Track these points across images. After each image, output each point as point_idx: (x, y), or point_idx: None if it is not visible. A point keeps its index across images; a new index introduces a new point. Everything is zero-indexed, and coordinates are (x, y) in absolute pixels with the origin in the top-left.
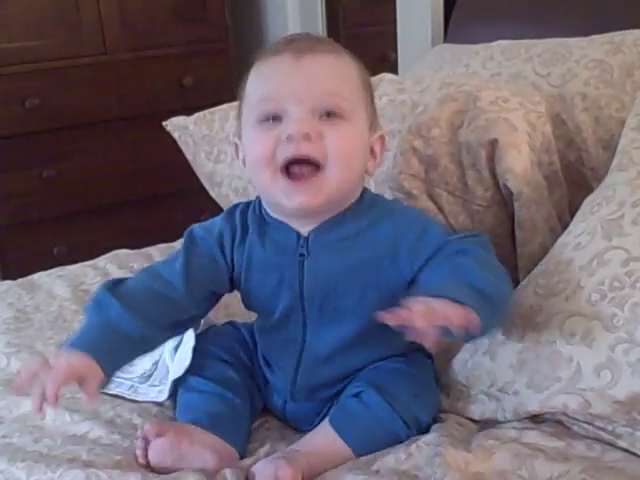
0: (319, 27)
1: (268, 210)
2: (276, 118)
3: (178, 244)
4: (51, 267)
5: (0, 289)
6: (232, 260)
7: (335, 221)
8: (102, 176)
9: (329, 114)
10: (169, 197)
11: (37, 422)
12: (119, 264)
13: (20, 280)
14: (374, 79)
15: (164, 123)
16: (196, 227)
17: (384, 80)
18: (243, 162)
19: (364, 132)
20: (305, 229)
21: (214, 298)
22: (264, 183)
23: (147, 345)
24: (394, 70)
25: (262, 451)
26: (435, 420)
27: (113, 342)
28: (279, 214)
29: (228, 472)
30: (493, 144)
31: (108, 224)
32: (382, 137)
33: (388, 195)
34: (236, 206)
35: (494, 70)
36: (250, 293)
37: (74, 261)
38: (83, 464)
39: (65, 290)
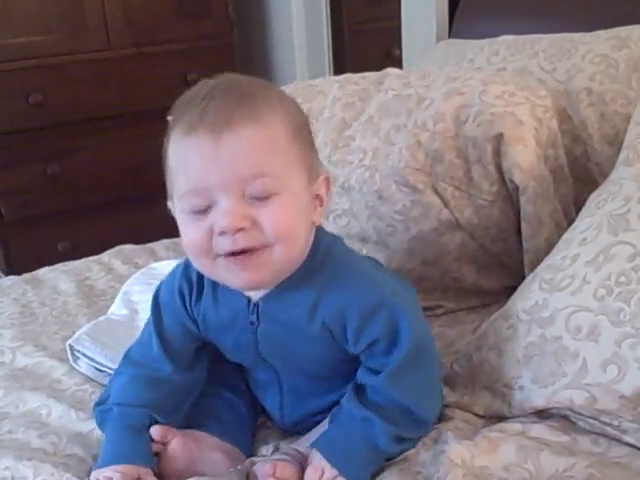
0: (323, 23)
1: None
2: (207, 208)
3: (181, 240)
4: (55, 263)
5: (5, 284)
6: (193, 314)
7: (285, 287)
8: (106, 172)
9: (259, 196)
10: None
11: (42, 419)
12: (123, 259)
13: (25, 275)
14: (379, 74)
15: (169, 117)
16: (162, 290)
17: (390, 75)
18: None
19: (302, 195)
20: (255, 295)
21: (205, 353)
22: (204, 268)
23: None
24: (398, 66)
25: (264, 449)
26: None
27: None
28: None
29: (231, 473)
30: (499, 138)
31: (112, 220)
32: (326, 179)
33: (392, 189)
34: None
35: (499, 65)
36: (214, 345)
37: (78, 257)
38: (88, 465)
39: (70, 285)
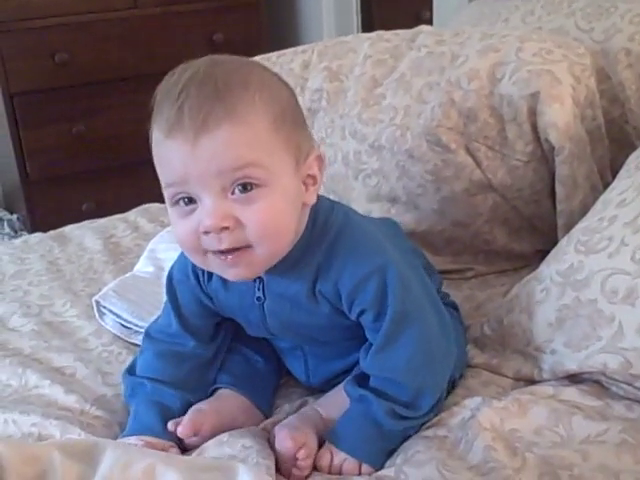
0: None
1: None
2: (191, 200)
3: None
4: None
5: (32, 241)
6: (209, 293)
7: (288, 261)
8: (131, 132)
9: (244, 187)
10: None
11: (67, 377)
12: (149, 218)
13: (51, 232)
14: (412, 31)
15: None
16: (174, 269)
17: (422, 32)
18: None
19: (290, 183)
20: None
21: (224, 326)
22: (197, 263)
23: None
24: None
25: (288, 406)
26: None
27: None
28: None
29: (252, 430)
30: (535, 97)
31: (137, 181)
32: (318, 157)
33: (424, 147)
34: None
35: (535, 25)
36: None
37: (102, 217)
38: (113, 431)
39: (96, 242)
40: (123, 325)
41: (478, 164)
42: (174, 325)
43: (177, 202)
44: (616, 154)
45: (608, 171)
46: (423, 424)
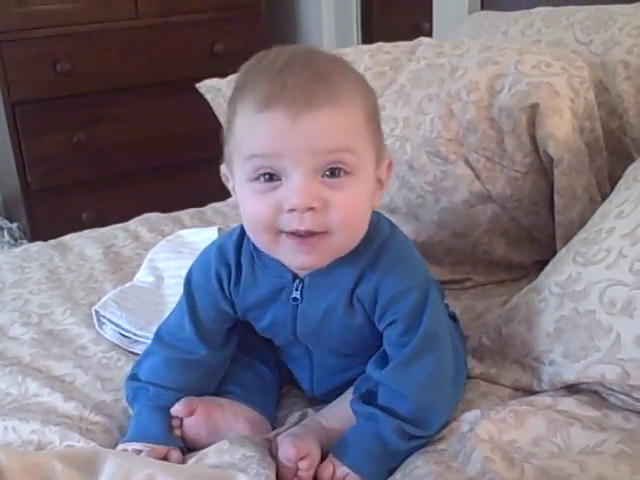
0: None
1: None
2: (273, 177)
3: (208, 208)
4: (79, 232)
5: (32, 250)
6: (232, 297)
7: (333, 266)
8: (132, 141)
9: (333, 171)
10: (198, 163)
11: (67, 384)
12: (149, 227)
13: (51, 241)
14: (411, 43)
15: (197, 85)
16: (194, 272)
17: (422, 44)
18: (234, 190)
19: (371, 178)
20: (303, 271)
21: (235, 332)
22: (264, 244)
23: None
24: None
25: (290, 417)
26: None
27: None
28: None
29: (253, 438)
30: (534, 109)
31: (137, 190)
32: (390, 164)
33: (424, 159)
34: (229, 237)
35: (534, 37)
36: (250, 324)
37: (102, 227)
38: (113, 436)
39: (96, 252)
40: (122, 334)
41: (477, 175)
42: (187, 330)
43: (257, 177)
44: (614, 166)
45: (606, 183)
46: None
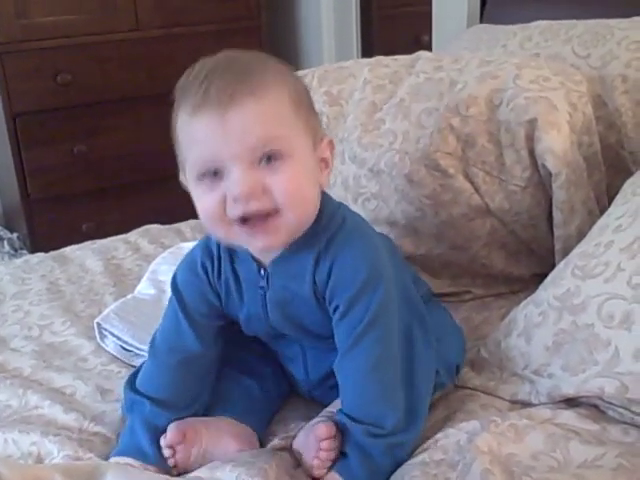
0: (352, 7)
1: None
2: (217, 173)
3: None
4: (79, 243)
5: (33, 261)
6: (217, 288)
7: (292, 250)
8: (132, 153)
9: (269, 158)
10: None
11: (67, 396)
12: (150, 239)
13: (52, 253)
14: (411, 57)
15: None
16: (179, 273)
17: (421, 58)
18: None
19: (309, 160)
20: (267, 259)
21: (222, 335)
22: (221, 235)
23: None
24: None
25: (284, 430)
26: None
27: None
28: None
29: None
30: (533, 123)
31: (137, 202)
32: (330, 142)
33: (423, 173)
34: (210, 237)
35: (532, 51)
36: (235, 316)
37: (102, 238)
38: (112, 445)
39: (97, 263)
40: (124, 348)
41: (476, 189)
42: (182, 327)
43: (203, 177)
44: (613, 179)
45: (605, 196)
46: (417, 448)
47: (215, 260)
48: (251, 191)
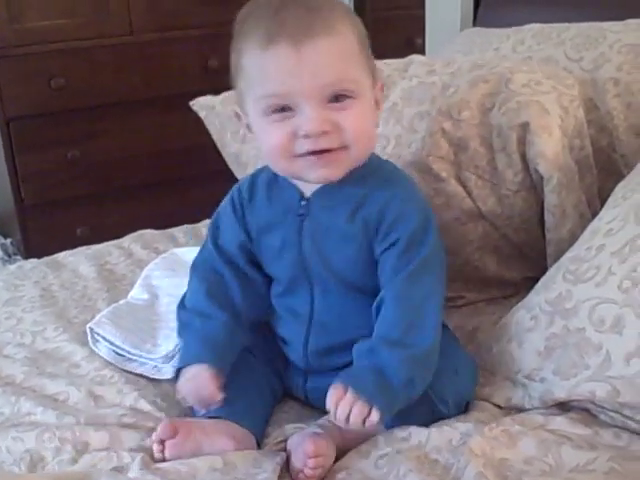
0: None
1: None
2: (286, 109)
3: (202, 225)
4: (73, 248)
5: (26, 267)
6: (246, 224)
7: (339, 184)
8: (126, 157)
9: (337, 97)
10: (193, 179)
11: (60, 402)
12: (143, 244)
13: (45, 258)
14: (402, 61)
15: (191, 103)
16: (220, 208)
17: (414, 61)
18: (248, 128)
19: (371, 99)
20: (309, 190)
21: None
22: (283, 168)
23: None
24: (421, 55)
25: (277, 433)
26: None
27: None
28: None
29: (262, 452)
30: (524, 127)
31: (131, 206)
32: (381, 86)
33: (415, 177)
34: (245, 177)
35: (525, 54)
36: (261, 257)
37: (96, 242)
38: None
39: (90, 269)
40: (116, 352)
41: (468, 193)
42: (211, 252)
43: (273, 112)
44: (604, 182)
45: (596, 199)
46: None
47: (245, 192)
48: (322, 128)
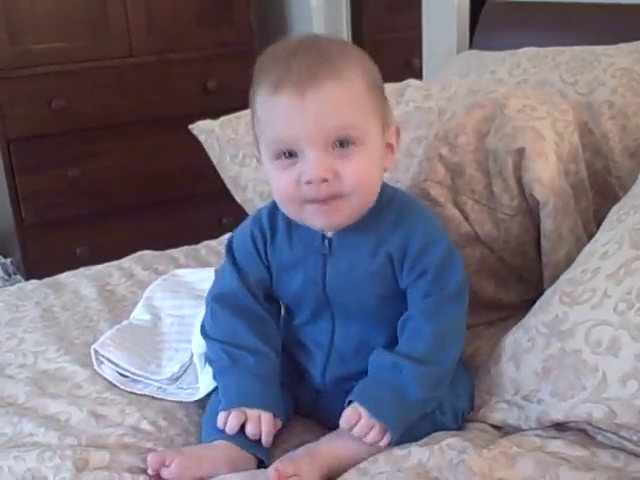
0: (344, 32)
1: None
2: (292, 154)
3: (202, 247)
4: (73, 267)
5: (27, 288)
6: (267, 257)
7: (357, 225)
8: (126, 178)
9: (342, 143)
10: (192, 200)
11: (62, 423)
12: (144, 265)
13: (46, 279)
14: (399, 85)
15: (191, 127)
16: (234, 238)
17: (410, 86)
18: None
19: (378, 144)
20: (329, 231)
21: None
22: (292, 213)
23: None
24: (418, 77)
25: (281, 453)
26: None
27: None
28: None
29: (259, 470)
30: (520, 152)
31: (131, 226)
32: (397, 129)
33: None
34: (263, 209)
35: (521, 77)
36: (281, 292)
37: (96, 262)
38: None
39: (91, 290)
40: (120, 374)
41: (465, 217)
42: (235, 284)
43: (279, 156)
44: (601, 205)
45: (592, 222)
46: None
47: (267, 230)
48: (323, 176)
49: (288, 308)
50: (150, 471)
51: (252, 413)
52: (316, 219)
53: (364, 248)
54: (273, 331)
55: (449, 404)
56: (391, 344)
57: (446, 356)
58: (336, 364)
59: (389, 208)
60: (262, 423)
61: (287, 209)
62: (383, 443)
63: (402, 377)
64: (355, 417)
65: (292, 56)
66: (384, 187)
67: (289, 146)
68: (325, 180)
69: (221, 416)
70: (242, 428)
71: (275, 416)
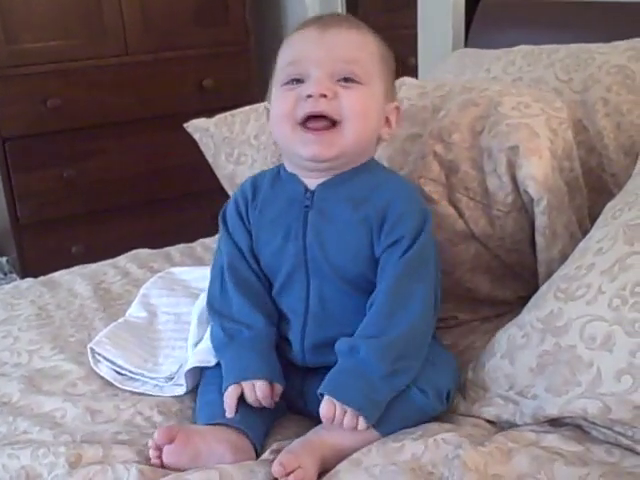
0: None
1: (285, 164)
2: (299, 80)
3: (197, 244)
4: (69, 266)
5: (22, 286)
6: (249, 222)
7: (341, 179)
8: (122, 176)
9: (346, 79)
10: (187, 198)
11: (57, 420)
12: (139, 264)
13: (41, 278)
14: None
15: (185, 125)
16: (227, 208)
17: (405, 84)
18: (267, 117)
19: (379, 97)
20: (313, 183)
21: None
22: (284, 135)
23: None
24: (414, 75)
25: (274, 446)
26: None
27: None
28: (294, 166)
29: (258, 462)
30: (514, 150)
31: (126, 224)
32: (397, 108)
33: None
34: (248, 178)
35: (515, 75)
36: (260, 253)
37: (92, 260)
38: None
39: (86, 288)
40: (117, 372)
41: (460, 214)
42: (237, 255)
43: (288, 82)
44: (595, 202)
45: (587, 219)
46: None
47: (249, 191)
48: (324, 91)
49: (266, 276)
50: (152, 446)
51: (247, 384)
52: (306, 146)
53: (345, 204)
54: (268, 301)
55: (429, 382)
56: (363, 312)
57: (401, 321)
58: (313, 330)
59: (375, 172)
60: (256, 390)
61: (280, 130)
62: (360, 427)
63: (360, 357)
64: (331, 408)
65: (321, 19)
66: (373, 159)
67: (298, 70)
68: (324, 95)
69: (225, 397)
70: (241, 412)
71: (273, 383)
